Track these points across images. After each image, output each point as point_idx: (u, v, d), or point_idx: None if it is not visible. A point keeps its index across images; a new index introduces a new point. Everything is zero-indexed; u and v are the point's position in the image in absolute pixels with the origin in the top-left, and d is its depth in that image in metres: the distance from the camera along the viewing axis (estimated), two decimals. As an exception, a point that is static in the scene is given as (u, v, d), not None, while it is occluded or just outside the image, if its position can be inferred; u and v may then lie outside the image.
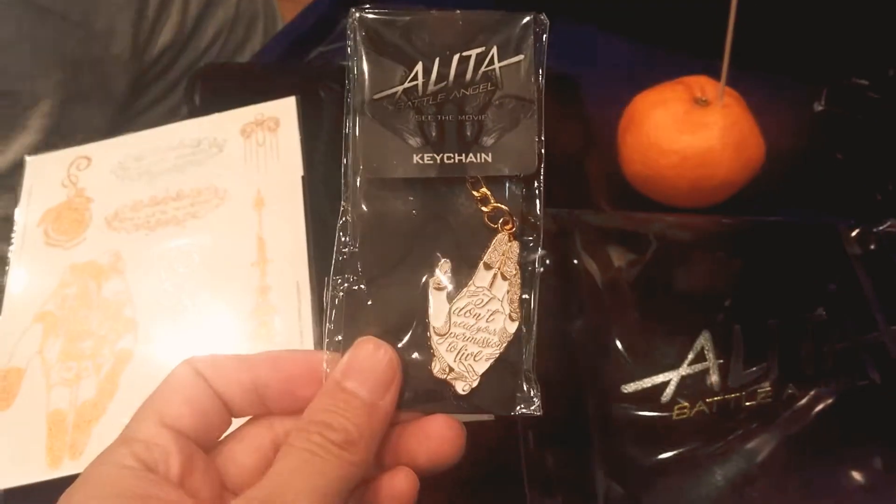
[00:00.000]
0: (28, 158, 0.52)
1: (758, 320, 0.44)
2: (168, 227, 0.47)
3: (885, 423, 0.41)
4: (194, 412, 0.27)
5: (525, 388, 0.30)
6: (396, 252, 0.31)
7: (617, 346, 0.43)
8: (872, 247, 0.49)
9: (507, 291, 0.31)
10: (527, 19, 0.31)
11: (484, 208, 0.31)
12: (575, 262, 0.46)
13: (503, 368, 0.30)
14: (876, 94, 0.54)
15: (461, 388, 0.30)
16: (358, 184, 0.31)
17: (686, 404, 0.41)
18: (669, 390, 0.41)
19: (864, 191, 0.54)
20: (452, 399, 0.30)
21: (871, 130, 0.54)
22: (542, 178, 0.31)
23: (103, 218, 0.48)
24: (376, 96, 0.30)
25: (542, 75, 0.31)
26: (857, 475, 0.40)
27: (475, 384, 0.30)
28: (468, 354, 0.30)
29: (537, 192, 0.31)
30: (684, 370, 0.42)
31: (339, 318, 0.30)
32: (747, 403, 0.41)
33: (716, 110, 0.50)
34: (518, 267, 0.31)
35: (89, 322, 0.44)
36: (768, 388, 0.41)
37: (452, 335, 0.30)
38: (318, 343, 0.42)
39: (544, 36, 0.32)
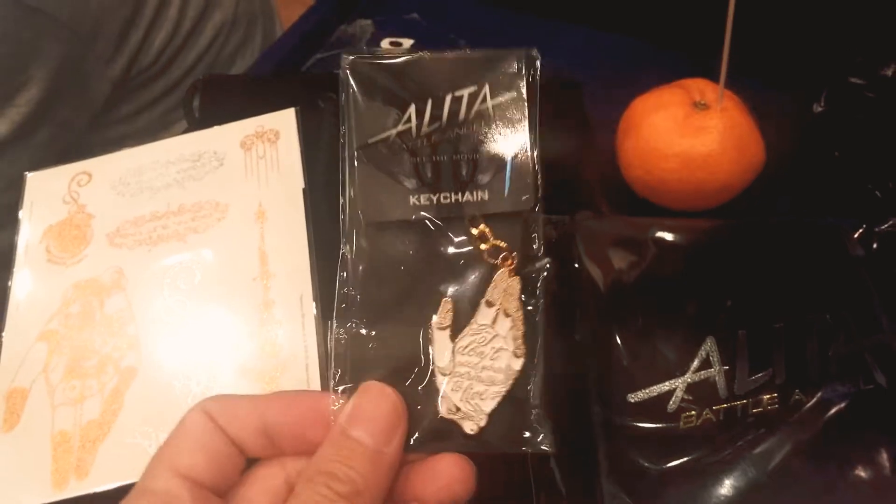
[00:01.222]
0: (28, 175, 0.51)
1: (762, 324, 0.44)
2: (170, 242, 0.47)
3: (893, 426, 0.41)
4: (208, 459, 0.27)
5: (534, 425, 0.30)
6: (398, 293, 0.31)
7: (621, 353, 0.43)
8: (875, 247, 0.49)
9: (511, 328, 0.30)
10: (517, 56, 0.32)
11: (483, 245, 0.31)
12: (576, 266, 0.46)
13: (511, 405, 0.30)
14: (872, 94, 0.54)
15: (469, 427, 0.30)
16: (357, 226, 0.31)
17: (693, 413, 0.41)
18: (676, 399, 0.41)
19: (865, 190, 0.54)
20: (461, 438, 0.30)
21: (871, 130, 0.54)
22: (540, 212, 0.31)
23: (105, 234, 0.48)
24: (371, 140, 0.31)
25: (535, 111, 0.31)
26: (866, 479, 0.40)
27: (483, 423, 0.30)
28: (474, 393, 0.30)
29: (535, 226, 0.32)
30: (690, 377, 0.42)
31: (343, 362, 0.30)
32: (754, 410, 0.41)
33: (715, 113, 0.50)
34: (520, 303, 0.31)
35: (93, 340, 0.44)
36: (775, 395, 0.41)
37: (458, 374, 0.30)
38: (323, 359, 0.42)
39: (537, 72, 0.32)
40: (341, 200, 0.31)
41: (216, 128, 0.51)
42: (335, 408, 0.29)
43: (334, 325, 0.30)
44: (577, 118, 0.58)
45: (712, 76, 0.50)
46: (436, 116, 0.31)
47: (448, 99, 0.31)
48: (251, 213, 0.47)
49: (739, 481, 0.39)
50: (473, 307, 0.31)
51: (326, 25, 0.71)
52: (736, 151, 0.49)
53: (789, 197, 0.54)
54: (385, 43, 0.69)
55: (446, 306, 0.30)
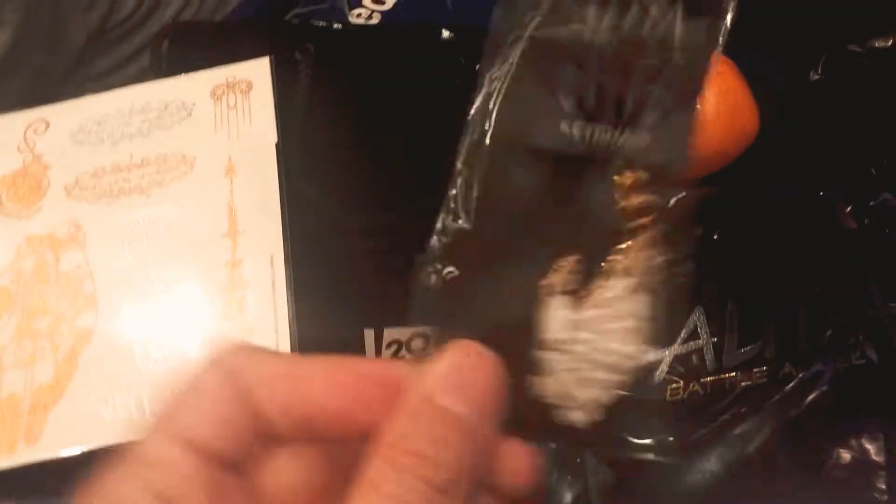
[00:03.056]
0: (-20, 121, 0.48)
1: (752, 296, 0.42)
2: (132, 196, 0.44)
3: (883, 401, 0.40)
4: (223, 426, 0.21)
5: (657, 428, 0.24)
6: (516, 237, 0.24)
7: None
8: (867, 221, 0.47)
9: (649, 307, 0.24)
10: None
11: (629, 202, 0.24)
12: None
13: (632, 400, 0.24)
14: (867, 63, 0.53)
15: (578, 419, 0.24)
16: (486, 142, 0.24)
17: (679, 385, 0.39)
18: (662, 369, 0.40)
19: (859, 165, 0.52)
20: (566, 430, 0.24)
21: (867, 102, 0.53)
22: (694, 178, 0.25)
23: (62, 186, 0.45)
24: (538, 33, 0.24)
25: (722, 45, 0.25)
26: (855, 455, 0.39)
27: (597, 416, 0.24)
28: (591, 379, 0.24)
29: (693, 190, 0.25)
30: (677, 348, 0.40)
31: (428, 313, 0.24)
32: (743, 384, 0.39)
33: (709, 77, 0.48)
34: (664, 279, 0.24)
35: (46, 298, 0.41)
36: (764, 368, 0.40)
37: (573, 353, 0.24)
38: (295, 320, 0.39)
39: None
40: (472, 109, 0.25)
41: (185, 76, 0.48)
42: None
43: (426, 264, 0.24)
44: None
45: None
46: (617, 26, 0.24)
47: (634, 8, 0.24)
48: (220, 167, 0.45)
49: (727, 456, 0.38)
50: (605, 274, 0.24)
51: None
52: (729, 117, 0.47)
53: (783, 167, 0.53)
54: (367, 0, 0.67)
55: (571, 266, 0.24)
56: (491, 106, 0.24)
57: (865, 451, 0.39)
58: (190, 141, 0.46)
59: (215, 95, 0.47)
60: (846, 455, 0.39)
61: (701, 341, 0.41)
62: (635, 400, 0.24)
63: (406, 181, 0.47)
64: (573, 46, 0.24)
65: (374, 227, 0.45)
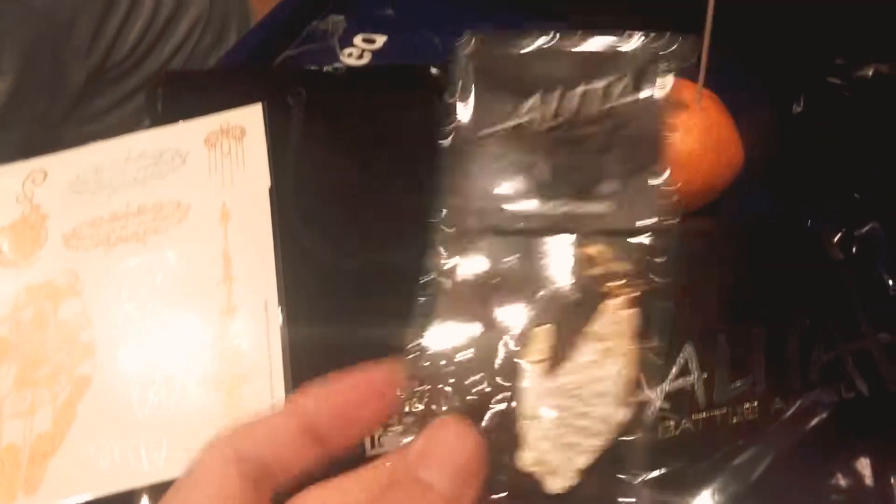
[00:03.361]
0: (-21, 173, 0.49)
1: (741, 330, 0.43)
2: (129, 243, 0.45)
3: (874, 434, 0.40)
4: None
5: (632, 492, 0.25)
6: (489, 314, 0.26)
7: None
8: (855, 251, 0.48)
9: (620, 371, 0.25)
10: (666, 44, 0.27)
11: (595, 269, 0.26)
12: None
13: (608, 464, 0.25)
14: (848, 94, 0.53)
15: (554, 485, 0.24)
16: (453, 231, 0.26)
17: (671, 423, 0.39)
18: (653, 408, 0.40)
19: (845, 195, 0.53)
20: (542, 497, 0.24)
21: (849, 131, 0.54)
22: (672, 234, 0.26)
23: (60, 235, 0.46)
24: (482, 133, 0.26)
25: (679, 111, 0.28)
26: (848, 489, 0.39)
27: (572, 481, 0.24)
28: (566, 444, 0.24)
29: (663, 250, 0.26)
30: (668, 385, 0.41)
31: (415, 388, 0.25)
32: (734, 419, 0.40)
33: (694, 113, 0.49)
34: (633, 342, 0.25)
35: (45, 347, 0.42)
36: (755, 403, 0.40)
37: (548, 420, 0.25)
38: (287, 368, 0.40)
39: (684, 64, 0.27)
40: (440, 199, 0.27)
41: (179, 124, 0.49)
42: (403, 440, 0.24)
43: (409, 343, 0.26)
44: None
45: (690, 75, 0.49)
46: (561, 110, 0.26)
47: (578, 90, 0.26)
48: (215, 213, 0.45)
49: (720, 492, 0.38)
50: (576, 341, 0.25)
51: (297, 21, 0.69)
52: (715, 152, 0.48)
53: (769, 199, 0.53)
54: (358, 39, 0.68)
55: (543, 336, 0.25)
56: (456, 197, 0.26)
57: (860, 478, 0.39)
58: (185, 188, 0.46)
59: (209, 142, 0.48)
60: (842, 482, 0.39)
61: (692, 377, 0.41)
62: (609, 462, 0.24)
63: (400, 223, 0.48)
64: (520, 136, 0.26)
65: (369, 271, 0.46)
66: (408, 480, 0.22)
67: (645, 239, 0.26)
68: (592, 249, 0.26)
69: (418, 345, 0.26)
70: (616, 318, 0.25)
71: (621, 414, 0.25)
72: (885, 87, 0.51)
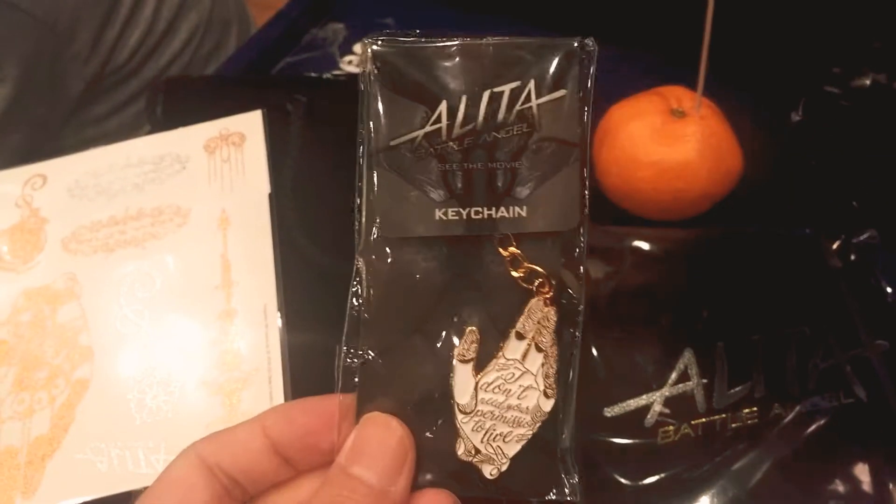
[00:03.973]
0: (-22, 178, 0.49)
1: (741, 337, 0.43)
2: (128, 248, 0.45)
3: (873, 440, 0.40)
4: None
5: (561, 472, 0.27)
6: (417, 319, 0.27)
7: (597, 365, 0.42)
8: (853, 258, 0.48)
9: (543, 365, 0.27)
10: (570, 47, 0.27)
11: (515, 271, 0.27)
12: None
13: (536, 449, 0.27)
14: (846, 102, 0.54)
15: (488, 471, 0.27)
16: (373, 241, 0.27)
17: (671, 428, 0.39)
18: (653, 413, 0.40)
19: (842, 200, 0.53)
20: (478, 483, 0.27)
21: (847, 139, 0.54)
22: (585, 234, 0.27)
23: (59, 240, 0.46)
24: (393, 142, 0.26)
25: (589, 113, 0.27)
26: (846, 494, 0.39)
27: (504, 467, 0.27)
28: (497, 435, 0.27)
29: (578, 250, 0.27)
30: (668, 390, 0.41)
31: (350, 392, 0.27)
32: (733, 425, 0.40)
33: (693, 121, 0.49)
34: (555, 337, 0.27)
35: (44, 350, 0.42)
36: (754, 409, 0.40)
37: (479, 413, 0.27)
38: (287, 372, 0.40)
39: (591, 66, 0.27)
40: (356, 210, 0.27)
41: (179, 129, 0.49)
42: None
43: (342, 349, 0.27)
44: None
45: (690, 83, 0.50)
46: (470, 116, 0.26)
47: (486, 96, 0.26)
48: (214, 218, 0.46)
49: (719, 497, 0.38)
50: (502, 339, 0.27)
51: (297, 28, 0.69)
52: (714, 160, 0.48)
53: (767, 207, 0.53)
54: (357, 47, 0.68)
55: (471, 337, 0.27)
56: (372, 208, 0.27)
57: (859, 484, 0.39)
58: (184, 194, 0.46)
59: (209, 149, 0.48)
60: (840, 488, 0.39)
61: (692, 383, 0.41)
62: (537, 447, 0.27)
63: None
64: (432, 144, 0.26)
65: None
66: (339, 477, 0.24)
67: (562, 239, 0.27)
68: (512, 252, 0.27)
69: (349, 350, 0.27)
70: (538, 315, 0.27)
71: (546, 404, 0.27)
72: (883, 96, 0.52)
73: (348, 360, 0.27)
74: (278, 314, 0.42)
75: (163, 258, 0.44)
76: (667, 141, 0.48)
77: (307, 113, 0.52)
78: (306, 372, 0.40)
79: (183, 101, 0.54)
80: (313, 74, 0.60)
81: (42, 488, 0.38)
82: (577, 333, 0.28)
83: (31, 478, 0.38)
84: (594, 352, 0.42)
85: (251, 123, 0.49)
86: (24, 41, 0.67)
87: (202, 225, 0.45)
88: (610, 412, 0.40)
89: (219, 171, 0.47)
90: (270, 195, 0.46)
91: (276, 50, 0.67)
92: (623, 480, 0.39)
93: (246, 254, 0.44)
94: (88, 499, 0.38)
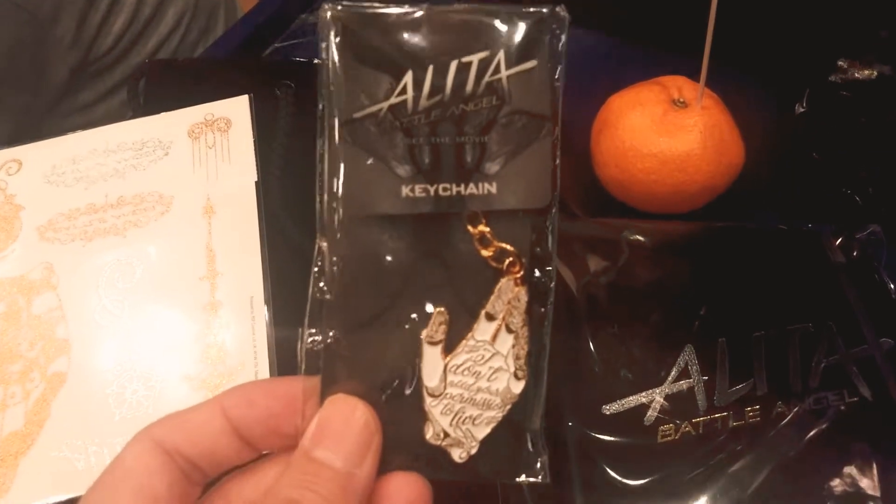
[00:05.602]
0: (-48, 162, 0.47)
1: (742, 333, 0.41)
2: (107, 237, 0.43)
3: (877, 439, 0.39)
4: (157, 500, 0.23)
5: (531, 454, 0.26)
6: (383, 299, 0.26)
7: (594, 361, 0.41)
8: (855, 254, 0.47)
9: (513, 346, 0.26)
10: (541, 15, 0.26)
11: (485, 250, 0.26)
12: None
13: (506, 432, 0.26)
14: (849, 95, 0.53)
15: (458, 455, 0.26)
16: (337, 219, 0.25)
17: (671, 426, 0.38)
18: (652, 411, 0.39)
19: (845, 194, 0.52)
20: (448, 466, 0.26)
21: (851, 133, 0.53)
22: (555, 211, 0.26)
23: (35, 227, 0.44)
24: (356, 115, 0.25)
25: (560, 85, 0.26)
26: (850, 493, 0.38)
27: (474, 451, 0.26)
28: (466, 418, 0.26)
29: (550, 227, 0.26)
30: (668, 388, 0.39)
31: (314, 375, 0.26)
32: (734, 423, 0.38)
33: (695, 112, 0.47)
34: (526, 318, 0.26)
35: (18, 343, 0.40)
36: (756, 407, 0.39)
37: (448, 396, 0.26)
38: (274, 367, 0.38)
39: (563, 35, 0.26)
40: (318, 187, 0.26)
41: (162, 114, 0.47)
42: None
43: (305, 332, 0.26)
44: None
45: (691, 74, 0.48)
46: (437, 87, 0.25)
47: (453, 66, 0.25)
48: (198, 207, 0.44)
49: (720, 497, 0.37)
50: (471, 320, 0.26)
51: (287, 13, 0.67)
52: (715, 152, 0.47)
53: (769, 200, 0.52)
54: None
55: (439, 318, 0.26)
56: (335, 185, 0.25)
57: (862, 484, 0.38)
58: (167, 180, 0.45)
59: (193, 134, 0.46)
60: (844, 488, 0.38)
61: (692, 380, 0.40)
62: (506, 430, 0.26)
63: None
64: (397, 117, 0.25)
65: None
66: (302, 461, 0.23)
67: (532, 217, 0.26)
68: (482, 230, 0.26)
69: (314, 332, 0.26)
70: (508, 296, 0.26)
71: (517, 386, 0.26)
72: (887, 89, 0.51)
73: (310, 342, 0.26)
74: (265, 307, 0.40)
75: (144, 247, 0.43)
76: (668, 131, 0.47)
77: (296, 99, 0.50)
78: (294, 368, 0.39)
79: (166, 85, 0.53)
80: (302, 60, 0.58)
81: (15, 487, 0.36)
82: (548, 314, 0.27)
83: (4, 476, 0.37)
84: (591, 347, 0.41)
85: (237, 109, 0.47)
86: (4, 27, 0.65)
87: (186, 213, 0.43)
88: (608, 410, 0.39)
89: (203, 158, 0.45)
90: (257, 183, 0.44)
91: (264, 34, 0.65)
92: (622, 480, 0.38)
93: (232, 243, 0.42)
94: (64, 498, 0.36)
